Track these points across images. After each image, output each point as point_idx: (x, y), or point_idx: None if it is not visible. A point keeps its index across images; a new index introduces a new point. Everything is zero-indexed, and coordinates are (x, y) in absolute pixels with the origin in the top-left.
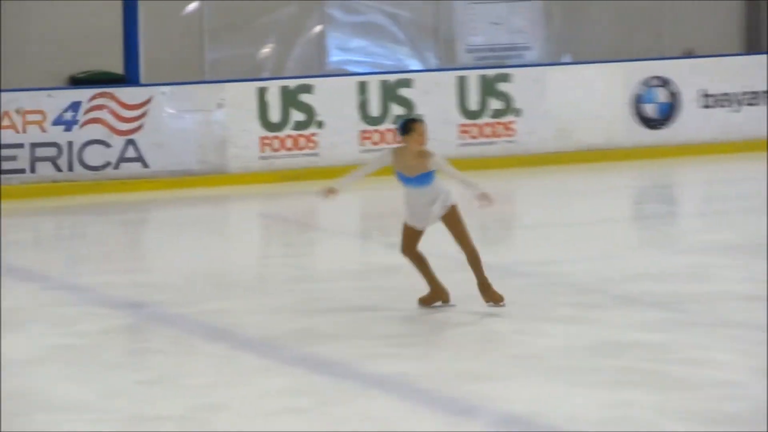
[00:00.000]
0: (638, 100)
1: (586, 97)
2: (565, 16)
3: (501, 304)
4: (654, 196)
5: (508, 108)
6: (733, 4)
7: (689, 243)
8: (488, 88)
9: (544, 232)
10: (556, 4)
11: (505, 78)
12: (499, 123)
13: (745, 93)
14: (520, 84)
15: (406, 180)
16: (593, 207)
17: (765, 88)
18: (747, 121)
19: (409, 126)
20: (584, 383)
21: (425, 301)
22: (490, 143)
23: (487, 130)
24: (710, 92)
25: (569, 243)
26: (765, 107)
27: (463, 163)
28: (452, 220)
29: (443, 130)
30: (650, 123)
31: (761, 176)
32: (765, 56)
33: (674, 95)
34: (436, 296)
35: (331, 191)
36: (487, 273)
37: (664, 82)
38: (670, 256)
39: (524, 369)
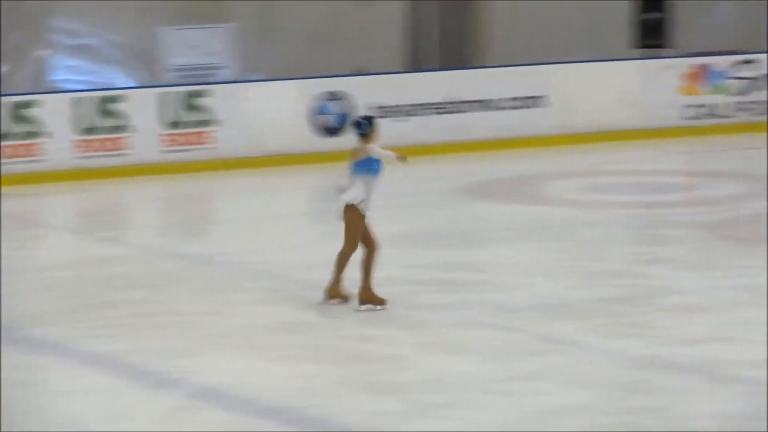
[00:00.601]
0: (317, 112)
1: (273, 109)
2: (255, 39)
3: (380, 306)
4: (330, 194)
5: (209, 119)
6: (400, 29)
7: None
8: (190, 102)
9: (237, 227)
10: (247, 29)
11: (204, 93)
12: (201, 132)
13: (411, 105)
14: (218, 98)
15: (379, 170)
16: (280, 204)
17: (428, 101)
18: (413, 130)
19: (375, 122)
20: (270, 358)
21: (335, 295)
22: (193, 149)
23: (190, 138)
24: (380, 104)
25: (259, 236)
26: (428, 117)
27: (168, 167)
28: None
29: (149, 138)
30: (327, 132)
31: (425, 177)
32: (427, 74)
33: (348, 107)
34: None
35: (402, 158)
36: (189, 262)
37: (339, 96)
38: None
39: (218, 346)
